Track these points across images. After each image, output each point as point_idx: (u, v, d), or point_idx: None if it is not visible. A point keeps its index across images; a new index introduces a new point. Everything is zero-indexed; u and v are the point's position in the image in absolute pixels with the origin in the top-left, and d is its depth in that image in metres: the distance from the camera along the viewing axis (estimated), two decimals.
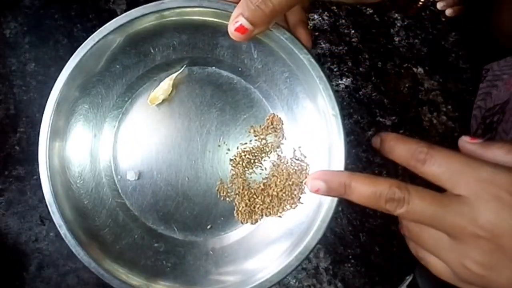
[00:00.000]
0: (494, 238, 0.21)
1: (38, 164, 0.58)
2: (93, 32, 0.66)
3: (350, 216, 0.52)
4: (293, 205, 0.33)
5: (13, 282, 0.53)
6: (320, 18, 0.63)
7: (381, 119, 0.56)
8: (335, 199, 0.28)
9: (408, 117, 0.56)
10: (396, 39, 0.60)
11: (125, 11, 0.66)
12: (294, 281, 0.50)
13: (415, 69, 0.58)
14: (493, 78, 0.53)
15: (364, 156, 0.55)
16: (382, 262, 0.50)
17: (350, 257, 0.51)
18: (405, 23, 0.60)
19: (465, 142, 0.25)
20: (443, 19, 0.59)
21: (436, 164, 0.23)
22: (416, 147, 0.24)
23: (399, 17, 0.60)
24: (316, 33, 0.62)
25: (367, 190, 0.24)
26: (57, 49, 0.65)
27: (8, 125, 0.61)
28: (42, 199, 0.56)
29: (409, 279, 0.44)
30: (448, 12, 0.52)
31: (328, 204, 0.28)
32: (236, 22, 0.25)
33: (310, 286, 0.50)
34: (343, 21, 0.61)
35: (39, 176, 0.57)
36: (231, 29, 0.25)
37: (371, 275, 0.50)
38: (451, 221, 0.22)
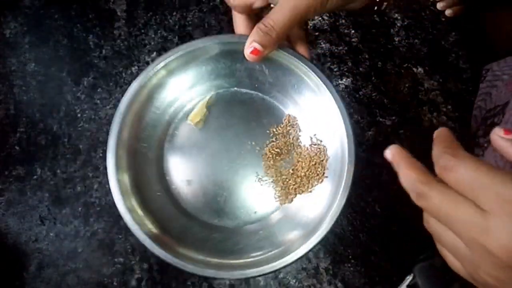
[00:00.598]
0: (507, 259, 0.20)
1: (36, 165, 0.58)
2: (93, 32, 0.66)
3: (350, 216, 0.52)
4: (320, 180, 0.40)
5: (13, 282, 0.53)
6: (320, 18, 0.63)
7: (381, 119, 0.56)
8: (350, 178, 0.36)
9: (408, 117, 0.56)
10: (396, 39, 0.60)
11: (125, 11, 0.66)
12: (294, 281, 0.51)
13: (415, 69, 0.58)
14: (493, 78, 0.53)
15: (364, 156, 0.55)
16: (382, 262, 0.50)
17: (350, 257, 0.51)
18: (405, 23, 0.60)
19: (498, 136, 0.24)
20: (443, 19, 0.59)
21: (458, 173, 0.22)
22: (439, 157, 0.23)
23: (399, 17, 0.60)
24: (316, 33, 0.62)
25: (402, 175, 0.25)
26: (57, 49, 0.65)
27: (8, 125, 0.61)
28: (42, 199, 0.57)
29: (409, 279, 0.44)
30: (448, 12, 0.53)
31: (345, 180, 0.36)
32: (250, 46, 0.33)
33: (310, 286, 0.50)
34: (343, 21, 0.61)
35: (39, 176, 0.57)
36: (247, 52, 0.33)
37: (371, 275, 0.50)
38: (464, 227, 0.21)
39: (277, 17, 0.32)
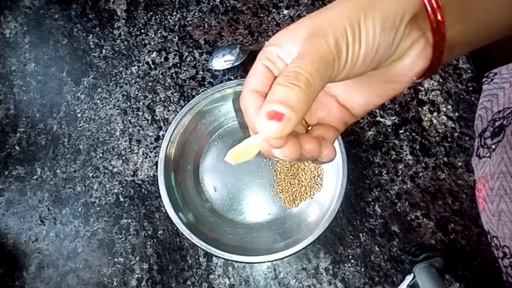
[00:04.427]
0: None
1: (36, 165, 0.58)
2: (93, 32, 0.66)
3: (350, 216, 0.52)
4: (319, 189, 0.52)
5: (13, 282, 0.53)
6: None
7: (381, 119, 0.56)
8: (344, 185, 0.46)
9: (408, 117, 0.56)
10: None
11: (125, 11, 0.66)
12: (294, 281, 0.50)
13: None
14: (500, 80, 0.53)
15: (364, 156, 0.55)
16: (382, 262, 0.50)
17: (350, 257, 0.51)
18: None
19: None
20: None
21: None
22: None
23: None
24: None
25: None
26: (57, 49, 0.65)
27: (8, 125, 0.61)
28: (42, 199, 0.57)
29: (409, 279, 0.44)
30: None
31: (340, 189, 0.46)
32: (270, 111, 0.20)
33: (310, 286, 0.50)
34: None
35: (39, 176, 0.57)
36: (264, 120, 0.20)
37: (371, 275, 0.50)
38: None
39: (301, 60, 0.21)
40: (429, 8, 0.22)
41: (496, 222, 0.44)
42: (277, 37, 0.24)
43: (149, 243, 0.53)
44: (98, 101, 0.61)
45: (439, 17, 0.22)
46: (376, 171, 0.54)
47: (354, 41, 0.21)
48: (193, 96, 0.56)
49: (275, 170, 0.54)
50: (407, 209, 0.52)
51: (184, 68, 0.62)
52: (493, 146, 0.47)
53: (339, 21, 0.21)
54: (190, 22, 0.64)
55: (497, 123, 0.48)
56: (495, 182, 0.44)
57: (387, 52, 0.23)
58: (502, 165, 0.43)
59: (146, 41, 0.64)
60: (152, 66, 0.62)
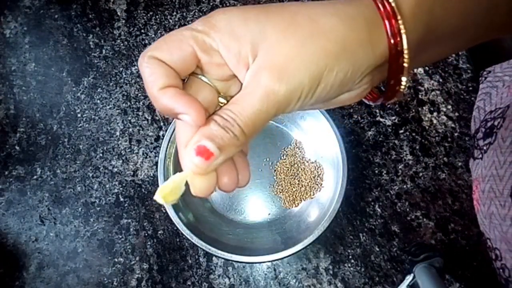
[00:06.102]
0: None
1: (36, 165, 0.58)
2: (93, 32, 0.66)
3: (350, 216, 0.52)
4: (319, 189, 0.52)
5: (13, 282, 0.53)
6: None
7: (381, 119, 0.56)
8: (344, 185, 0.46)
9: (408, 117, 0.56)
10: None
11: (125, 11, 0.66)
12: (294, 281, 0.50)
13: (415, 69, 0.58)
14: (493, 79, 0.53)
15: (364, 156, 0.55)
16: (382, 262, 0.50)
17: (350, 257, 0.51)
18: None
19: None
20: None
21: None
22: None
23: None
24: None
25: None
26: (57, 49, 0.65)
27: (8, 125, 0.61)
28: (42, 199, 0.57)
29: (409, 279, 0.44)
30: None
31: (340, 189, 0.46)
32: (198, 145, 0.20)
33: (310, 286, 0.50)
34: None
35: (39, 176, 0.57)
36: (190, 154, 0.21)
37: (371, 275, 0.50)
38: None
39: (242, 108, 0.21)
40: (393, 67, 0.21)
41: (488, 224, 0.44)
42: (230, 24, 0.21)
43: (149, 243, 0.53)
44: (98, 101, 0.61)
45: (403, 82, 0.21)
46: (376, 171, 0.54)
47: (308, 93, 0.21)
48: None
49: (275, 170, 0.54)
50: (407, 209, 0.52)
51: None
52: (485, 148, 0.47)
53: (300, 73, 0.20)
54: (190, 22, 0.64)
55: (489, 124, 0.48)
56: (486, 185, 0.44)
57: (333, 96, 0.22)
58: (493, 168, 0.43)
59: (146, 41, 0.64)
60: None
